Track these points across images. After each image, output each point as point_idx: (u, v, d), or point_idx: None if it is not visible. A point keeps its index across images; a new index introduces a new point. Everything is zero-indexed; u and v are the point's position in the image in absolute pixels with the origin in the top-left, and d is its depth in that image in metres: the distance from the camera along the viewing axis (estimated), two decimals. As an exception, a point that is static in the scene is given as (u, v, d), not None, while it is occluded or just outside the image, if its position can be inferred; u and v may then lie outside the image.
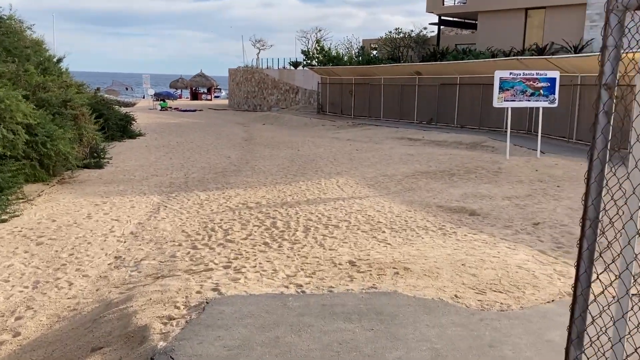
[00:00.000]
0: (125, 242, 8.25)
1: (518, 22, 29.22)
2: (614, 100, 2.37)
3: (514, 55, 24.63)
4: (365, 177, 13.51)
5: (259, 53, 51.41)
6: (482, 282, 5.65)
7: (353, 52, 39.53)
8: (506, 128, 16.78)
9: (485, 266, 6.21)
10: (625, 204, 2.41)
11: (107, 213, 10.07)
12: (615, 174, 2.45)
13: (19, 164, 11.16)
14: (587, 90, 18.48)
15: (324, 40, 42.93)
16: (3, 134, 10.58)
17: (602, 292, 2.42)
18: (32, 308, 5.87)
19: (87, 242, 8.20)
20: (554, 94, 15.36)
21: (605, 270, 2.46)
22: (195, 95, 61.81)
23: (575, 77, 18.84)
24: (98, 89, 27.57)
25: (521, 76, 15.33)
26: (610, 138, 2.42)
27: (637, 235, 2.41)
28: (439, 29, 36.22)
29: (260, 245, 7.59)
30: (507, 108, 16.53)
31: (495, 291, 5.38)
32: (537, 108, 16.35)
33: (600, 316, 2.50)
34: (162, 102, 46.90)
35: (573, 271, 6.22)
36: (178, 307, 4.78)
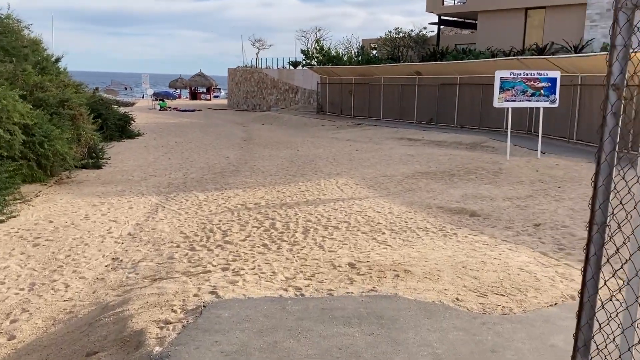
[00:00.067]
0: (122, 243, 8.18)
1: (518, 22, 29.16)
2: (623, 101, 2.30)
3: (514, 55, 24.56)
4: (365, 178, 13.43)
5: (258, 53, 51.45)
6: (484, 284, 5.57)
7: (353, 51, 39.49)
8: (506, 128, 16.73)
9: (486, 268, 6.13)
10: (635, 208, 2.34)
11: (104, 214, 10.00)
12: (624, 178, 2.38)
13: (16, 164, 11.08)
14: (587, 90, 18.41)
15: (324, 40, 42.91)
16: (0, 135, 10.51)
17: (610, 298, 2.35)
18: (28, 311, 5.79)
19: (85, 244, 8.12)
20: (555, 94, 15.29)
21: (613, 276, 2.39)
22: (194, 95, 61.74)
23: (576, 77, 18.77)
24: (97, 88, 27.49)
25: (522, 76, 15.26)
26: (618, 140, 2.34)
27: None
28: (438, 29, 36.16)
29: (259, 247, 7.51)
30: (508, 108, 16.47)
31: (497, 294, 5.30)
32: (538, 108, 16.29)
33: (608, 324, 2.43)
34: (161, 101, 46.83)
35: (575, 273, 6.16)
36: (175, 311, 4.70)
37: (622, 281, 2.44)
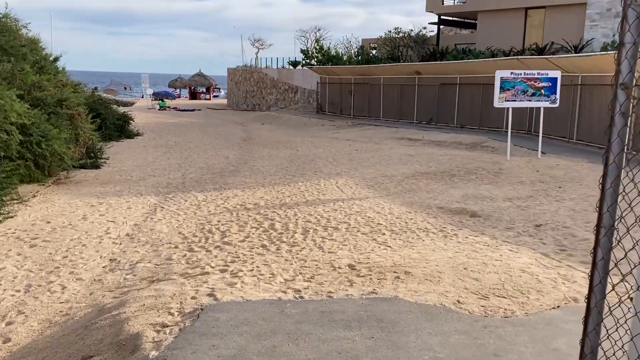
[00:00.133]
0: (120, 244, 8.11)
1: (518, 22, 29.09)
2: (632, 101, 2.23)
3: (513, 55, 24.50)
4: (365, 178, 13.36)
5: (258, 52, 51.36)
6: (485, 286, 5.50)
7: (352, 51, 39.41)
8: (506, 128, 16.65)
9: (487, 270, 6.06)
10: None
11: (102, 214, 9.92)
12: (632, 180, 2.31)
13: (13, 164, 11.00)
14: (587, 90, 18.34)
15: (323, 39, 42.82)
16: (-3, 134, 10.43)
17: (619, 304, 2.28)
18: (24, 313, 5.72)
19: (82, 244, 8.05)
20: (555, 94, 15.22)
21: (622, 281, 2.32)
22: (194, 95, 61.64)
23: (576, 76, 18.70)
24: (96, 88, 27.41)
25: (522, 76, 15.19)
26: (627, 141, 2.27)
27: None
28: (438, 29, 36.09)
29: (258, 248, 7.44)
30: (508, 108, 16.39)
31: (498, 296, 5.23)
32: (537, 108, 16.21)
33: (616, 330, 2.36)
34: (160, 101, 46.74)
35: (577, 275, 6.09)
36: (172, 314, 4.63)
37: (630, 286, 2.37)
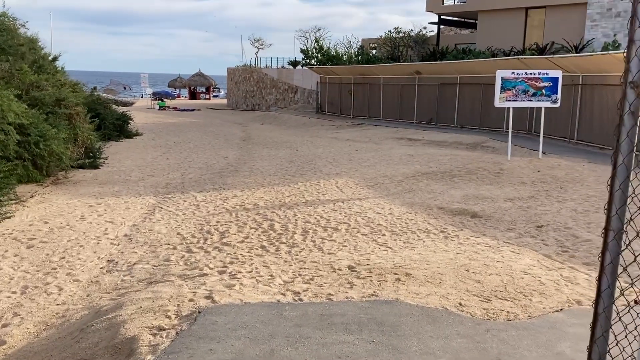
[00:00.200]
0: (118, 245, 8.03)
1: (518, 22, 29.02)
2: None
3: (514, 55, 24.42)
4: (365, 178, 13.29)
5: (257, 52, 51.23)
6: (487, 288, 5.43)
7: (352, 51, 39.30)
8: (506, 128, 16.58)
9: (489, 272, 5.99)
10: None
11: (101, 215, 9.85)
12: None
13: (11, 164, 10.92)
14: (588, 90, 18.27)
15: (323, 39, 42.62)
16: (-6, 134, 10.36)
17: (628, 310, 2.20)
18: (20, 315, 5.64)
19: (80, 245, 7.97)
20: (557, 94, 15.15)
21: (631, 285, 2.24)
22: (193, 95, 61.55)
23: (577, 76, 18.63)
24: (95, 88, 27.32)
25: (523, 76, 15.11)
26: (636, 142, 2.20)
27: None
28: (438, 29, 36.01)
29: (257, 249, 7.37)
30: (508, 108, 16.32)
31: (500, 299, 5.16)
32: (538, 108, 16.14)
33: (626, 337, 2.28)
34: (160, 101, 46.66)
35: (580, 277, 6.02)
36: (169, 317, 4.55)
37: (638, 289, 2.29)
